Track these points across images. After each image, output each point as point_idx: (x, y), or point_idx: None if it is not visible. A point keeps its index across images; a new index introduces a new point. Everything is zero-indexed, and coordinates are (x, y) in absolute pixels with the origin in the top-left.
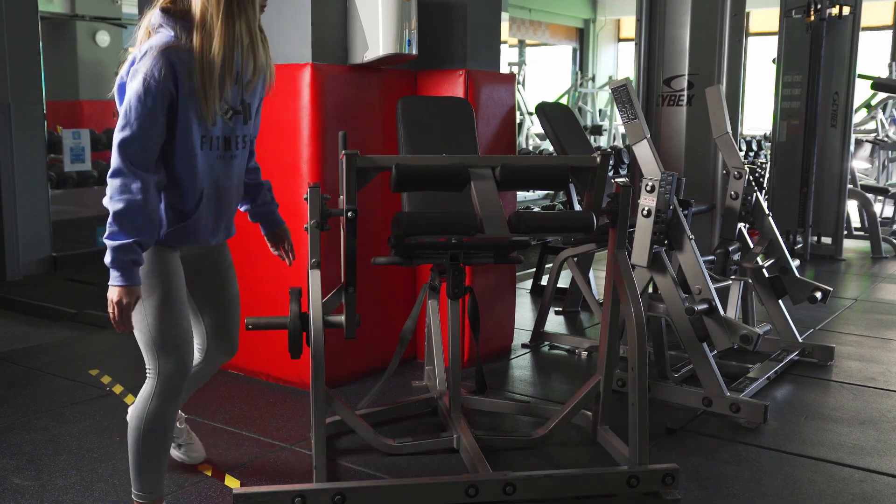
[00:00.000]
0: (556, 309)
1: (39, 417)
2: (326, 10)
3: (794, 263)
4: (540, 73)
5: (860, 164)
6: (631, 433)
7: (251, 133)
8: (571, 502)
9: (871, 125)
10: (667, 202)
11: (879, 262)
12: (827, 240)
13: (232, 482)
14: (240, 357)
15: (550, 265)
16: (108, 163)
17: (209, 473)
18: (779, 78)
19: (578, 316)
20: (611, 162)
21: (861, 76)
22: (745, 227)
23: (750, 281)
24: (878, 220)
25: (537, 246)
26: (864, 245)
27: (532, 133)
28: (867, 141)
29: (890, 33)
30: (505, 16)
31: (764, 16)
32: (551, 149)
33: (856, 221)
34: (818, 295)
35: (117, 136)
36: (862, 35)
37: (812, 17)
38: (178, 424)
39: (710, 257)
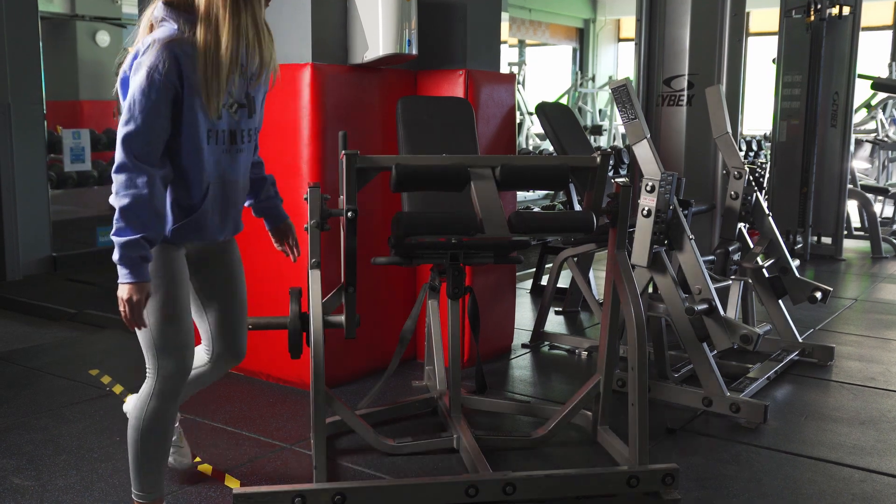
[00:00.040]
0: (556, 309)
1: (39, 417)
2: (326, 10)
3: (794, 263)
4: (540, 73)
5: (860, 164)
6: (631, 433)
7: (256, 127)
8: (571, 502)
9: (871, 125)
10: (667, 202)
11: (879, 262)
12: (827, 240)
13: (232, 482)
14: None
15: (550, 265)
16: (108, 163)
17: (209, 473)
18: (779, 78)
19: (578, 316)
20: (611, 162)
21: (861, 76)
22: (745, 227)
23: (750, 281)
24: (878, 220)
25: (537, 246)
26: (864, 245)
27: (532, 133)
28: (867, 141)
29: (890, 33)
30: (505, 16)
31: (764, 16)
32: (551, 149)
33: (856, 221)
34: (818, 295)
35: (121, 131)
36: (862, 35)
37: (812, 17)
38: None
39: (710, 257)
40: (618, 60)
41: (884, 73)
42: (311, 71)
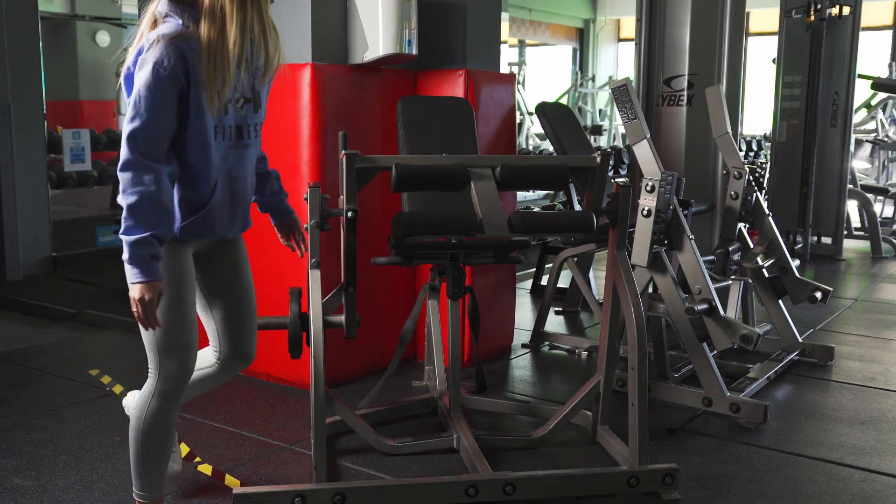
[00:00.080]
0: (556, 309)
1: (39, 417)
2: (326, 10)
3: (794, 263)
4: (540, 73)
5: (860, 164)
6: (631, 433)
7: (261, 121)
8: (571, 502)
9: (871, 125)
10: (667, 202)
11: (879, 262)
12: (827, 240)
13: (232, 482)
14: None
15: (550, 265)
16: (108, 162)
17: (209, 473)
18: (779, 78)
19: (578, 316)
20: (611, 162)
21: (861, 76)
22: (745, 227)
23: (750, 281)
24: (878, 220)
25: (537, 246)
26: (864, 245)
27: (532, 133)
28: (867, 141)
29: (890, 33)
30: (505, 16)
31: (764, 16)
32: (551, 149)
33: (856, 221)
34: (818, 295)
35: (127, 128)
36: (862, 35)
37: (812, 17)
38: None
39: (710, 257)
40: (618, 60)
41: (884, 73)
42: (311, 71)
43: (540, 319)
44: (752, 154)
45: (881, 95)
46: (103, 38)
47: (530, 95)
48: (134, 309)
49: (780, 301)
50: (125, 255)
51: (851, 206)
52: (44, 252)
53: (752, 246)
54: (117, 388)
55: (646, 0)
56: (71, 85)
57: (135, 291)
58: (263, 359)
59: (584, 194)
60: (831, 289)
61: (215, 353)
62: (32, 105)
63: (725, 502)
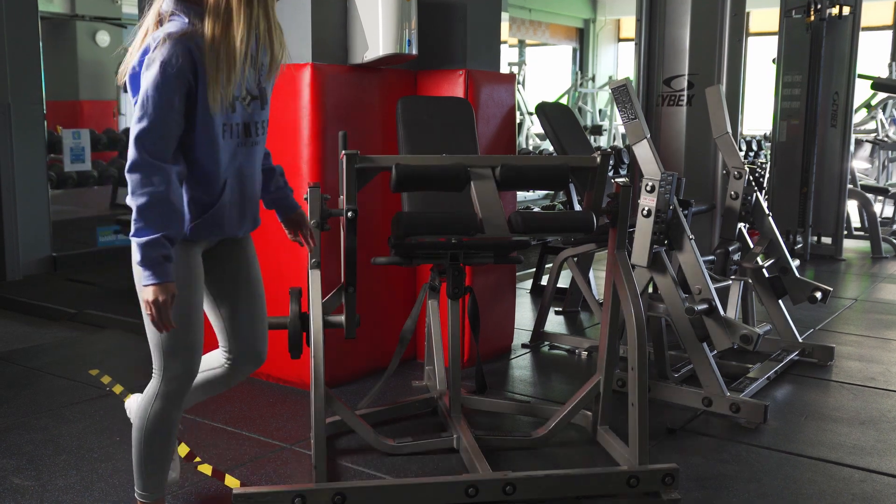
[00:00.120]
0: (556, 309)
1: (39, 417)
2: (326, 10)
3: (794, 263)
4: (540, 73)
5: (860, 164)
6: (631, 433)
7: (267, 118)
8: (571, 502)
9: (871, 125)
10: (667, 202)
11: (879, 262)
12: (827, 240)
13: (232, 482)
14: None
15: (550, 265)
16: (109, 162)
17: (209, 473)
18: (779, 78)
19: (578, 316)
20: (611, 162)
21: (861, 76)
22: (745, 227)
23: (750, 281)
24: (878, 220)
25: (537, 246)
26: (864, 245)
27: (532, 133)
28: (867, 141)
29: (890, 33)
30: (505, 16)
31: (764, 16)
32: (551, 149)
33: (856, 221)
34: (818, 295)
35: (135, 128)
36: (862, 35)
37: (812, 17)
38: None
39: (710, 257)
40: (618, 60)
41: (884, 73)
42: (311, 71)
43: (540, 319)
44: (752, 154)
45: (881, 95)
46: (103, 38)
47: (530, 95)
48: (147, 311)
49: (780, 301)
50: (136, 258)
51: (851, 206)
52: (44, 252)
53: (752, 246)
54: (117, 388)
55: (646, 0)
56: (71, 85)
57: (148, 294)
58: None
59: (584, 194)
60: (831, 289)
61: (225, 354)
62: (32, 105)
63: (725, 502)
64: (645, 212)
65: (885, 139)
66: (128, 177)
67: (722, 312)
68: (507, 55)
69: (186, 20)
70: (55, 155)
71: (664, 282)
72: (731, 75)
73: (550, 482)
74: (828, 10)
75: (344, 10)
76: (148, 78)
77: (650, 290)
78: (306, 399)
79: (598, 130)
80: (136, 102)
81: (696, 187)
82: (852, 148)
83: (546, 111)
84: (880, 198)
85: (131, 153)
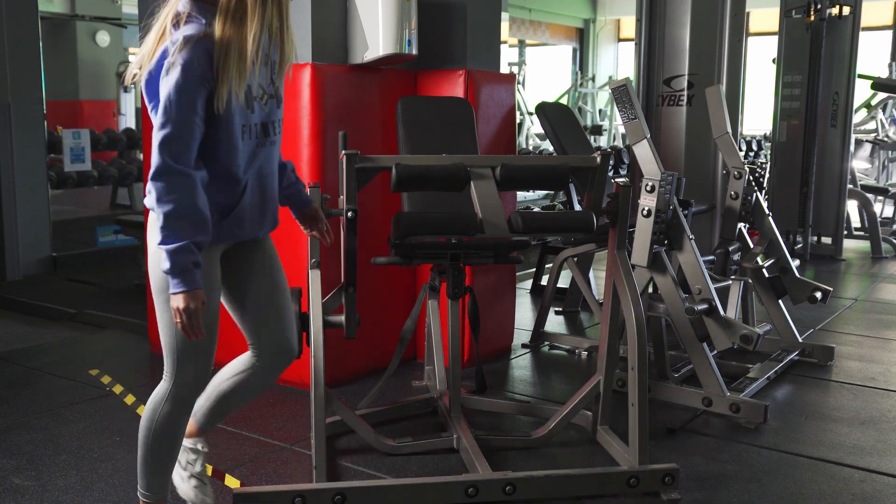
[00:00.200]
0: (556, 309)
1: (39, 417)
2: (326, 10)
3: (794, 263)
4: (540, 73)
5: (860, 164)
6: (631, 433)
7: (282, 117)
8: (571, 502)
9: (871, 125)
10: (667, 202)
11: (879, 262)
12: (827, 240)
13: (232, 482)
14: (236, 355)
15: (550, 265)
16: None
17: (209, 473)
18: (779, 78)
19: (578, 316)
20: (611, 162)
21: (861, 76)
22: (745, 227)
23: (750, 281)
24: (878, 220)
25: (537, 246)
26: (864, 245)
27: (532, 133)
28: (867, 141)
29: (890, 33)
30: (505, 16)
31: (764, 16)
32: (551, 149)
33: (856, 221)
34: (818, 295)
35: (159, 135)
36: (862, 35)
37: (812, 17)
38: (199, 447)
39: (710, 257)
40: (618, 60)
41: (884, 73)
42: (311, 71)
43: (540, 319)
44: (752, 154)
45: (881, 95)
46: (103, 38)
47: (530, 95)
48: (177, 319)
49: (780, 301)
50: (165, 266)
51: (851, 206)
52: (44, 252)
53: (752, 246)
54: (117, 388)
55: (646, 0)
56: (71, 85)
57: (178, 301)
58: None
59: (584, 194)
60: (831, 289)
61: (254, 353)
62: (32, 105)
63: (725, 502)
64: (645, 212)
65: (885, 139)
66: (152, 184)
67: (722, 312)
68: (507, 55)
69: (204, 21)
70: (55, 155)
71: (664, 282)
72: (731, 75)
73: (550, 482)
74: (828, 10)
75: (344, 10)
76: (169, 82)
77: (650, 290)
78: (306, 399)
79: (598, 130)
80: (154, 107)
81: (696, 187)
82: (852, 148)
83: (546, 111)
84: (880, 198)
85: (155, 159)
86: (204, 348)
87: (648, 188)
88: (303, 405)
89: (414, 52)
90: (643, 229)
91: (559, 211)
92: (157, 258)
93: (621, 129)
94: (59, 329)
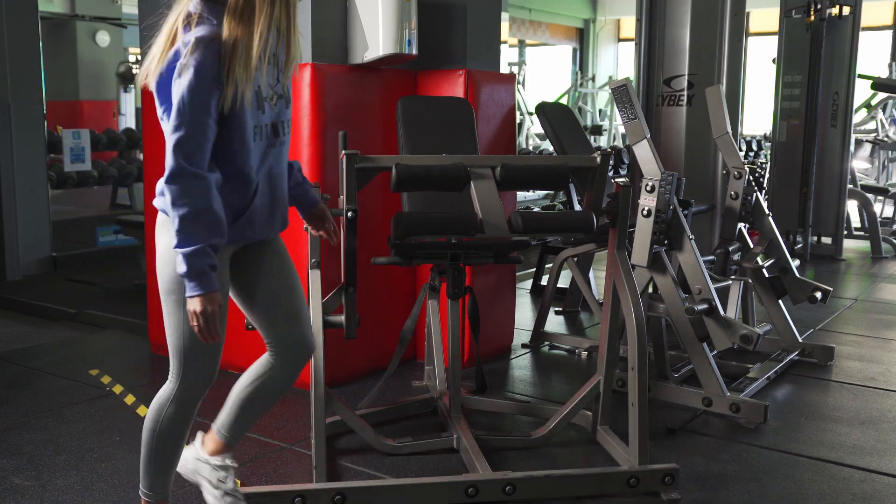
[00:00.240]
0: (556, 309)
1: (39, 417)
2: (326, 10)
3: (794, 263)
4: (540, 73)
5: (860, 164)
6: (631, 433)
7: (291, 116)
8: (571, 502)
9: (871, 125)
10: (667, 202)
11: (879, 262)
12: (827, 240)
13: None
14: (240, 357)
15: (550, 265)
16: (109, 162)
17: None
18: (779, 78)
19: (578, 316)
20: (611, 162)
21: (861, 76)
22: (745, 227)
23: (750, 281)
24: (878, 220)
25: (537, 246)
26: (864, 245)
27: (532, 133)
28: (867, 141)
29: (890, 33)
30: (505, 16)
31: (764, 16)
32: (551, 149)
33: (856, 221)
34: (818, 295)
35: (173, 137)
36: (862, 35)
37: (812, 17)
38: (228, 462)
39: (710, 257)
40: (618, 60)
41: (884, 73)
42: (311, 71)
43: (540, 319)
44: (752, 154)
45: (881, 95)
46: (103, 38)
47: (530, 95)
48: (193, 323)
49: (780, 301)
50: (182, 269)
51: (851, 206)
52: (44, 252)
53: (752, 246)
54: (117, 388)
55: (646, 0)
56: (71, 85)
57: (195, 305)
58: None
59: (584, 194)
60: (831, 289)
61: (272, 353)
62: (32, 105)
63: (725, 502)
64: (645, 212)
65: (885, 139)
66: (167, 188)
67: (722, 312)
68: (507, 55)
69: (215, 23)
70: (55, 155)
71: (664, 282)
72: (731, 75)
73: (550, 482)
74: (828, 10)
75: (344, 10)
76: (182, 84)
77: (650, 290)
78: (306, 399)
79: (598, 130)
80: (165, 110)
81: (696, 187)
82: (852, 148)
83: (546, 111)
84: (880, 198)
85: (170, 162)
86: (211, 349)
87: (648, 188)
88: (303, 405)
89: (414, 52)
90: (643, 229)
91: (559, 211)
92: (167, 259)
93: (621, 129)
94: (59, 329)
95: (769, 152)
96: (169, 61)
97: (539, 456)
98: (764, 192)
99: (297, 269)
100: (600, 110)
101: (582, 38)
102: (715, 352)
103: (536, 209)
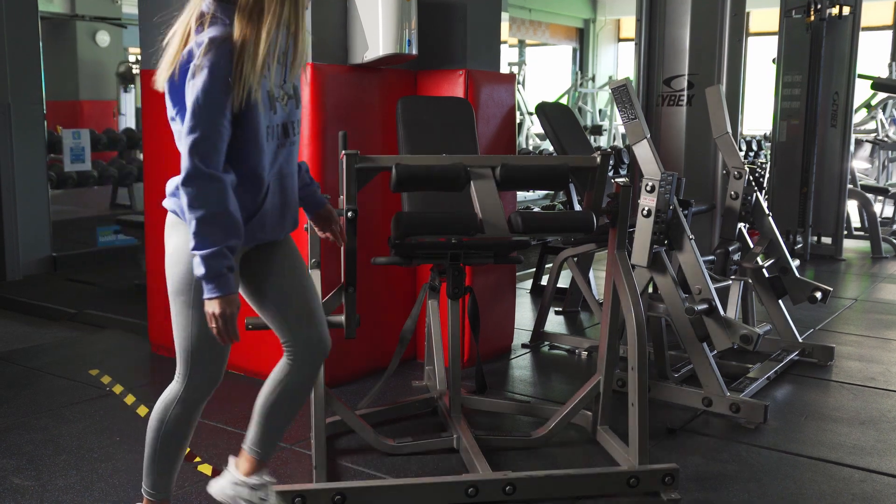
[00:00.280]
0: (556, 309)
1: (39, 417)
2: (326, 10)
3: (794, 263)
4: (540, 73)
5: (860, 164)
6: (631, 433)
7: (300, 117)
8: (571, 502)
9: (871, 125)
10: (667, 202)
11: (879, 262)
12: (827, 240)
13: None
14: (240, 357)
15: (550, 265)
16: (109, 162)
17: (209, 473)
18: (779, 78)
19: (578, 316)
20: (611, 162)
21: (861, 76)
22: (745, 227)
23: (750, 281)
24: (878, 220)
25: (537, 246)
26: (864, 245)
27: (532, 133)
28: (867, 141)
29: (890, 33)
30: (505, 16)
31: (764, 16)
32: (551, 149)
33: (856, 221)
34: (818, 295)
35: (188, 139)
36: (862, 35)
37: (812, 17)
38: (265, 478)
39: (710, 257)
40: (618, 60)
41: (884, 73)
42: (311, 71)
43: (540, 319)
44: (752, 154)
45: (881, 95)
46: (103, 38)
47: (530, 95)
48: (212, 325)
49: (780, 301)
50: (200, 271)
51: (851, 206)
52: (44, 252)
53: (752, 246)
54: (117, 388)
55: (646, 0)
56: (71, 85)
57: (213, 307)
58: (263, 359)
59: (584, 194)
60: (831, 289)
61: (289, 354)
62: (32, 105)
63: (725, 502)
64: (645, 212)
65: (885, 139)
66: (183, 190)
67: (722, 312)
68: (507, 55)
69: (228, 23)
70: (55, 155)
71: (664, 282)
72: (731, 75)
73: (550, 482)
74: (828, 10)
75: (344, 10)
76: (197, 85)
77: (650, 290)
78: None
79: (598, 130)
80: (178, 111)
81: (696, 187)
82: (852, 148)
83: (546, 111)
84: (880, 198)
85: (186, 164)
86: (218, 351)
87: (648, 188)
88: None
89: (414, 52)
90: (643, 229)
91: (559, 211)
92: (176, 259)
93: (621, 129)
94: (59, 329)
95: (769, 152)
96: (182, 62)
97: (539, 456)
98: (764, 192)
99: None
100: (600, 110)
101: (582, 38)
102: (715, 352)
103: (536, 209)
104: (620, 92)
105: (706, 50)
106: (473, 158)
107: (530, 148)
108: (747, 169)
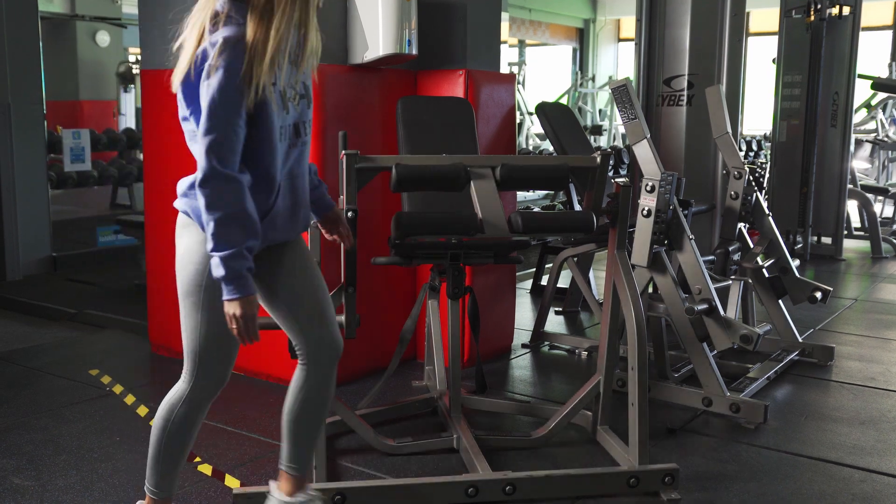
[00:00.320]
0: (556, 309)
1: (39, 417)
2: (326, 10)
3: (794, 263)
4: (540, 73)
5: (860, 164)
6: (631, 433)
7: (311, 117)
8: (571, 502)
9: (871, 125)
10: (667, 202)
11: (879, 262)
12: (827, 240)
13: (232, 482)
14: (240, 357)
15: (550, 265)
16: (109, 162)
17: (209, 473)
18: (779, 78)
19: (578, 316)
20: (611, 162)
21: (861, 76)
22: (745, 227)
23: (750, 281)
24: (878, 220)
25: (537, 246)
26: (864, 245)
27: (532, 133)
28: (867, 141)
29: (890, 33)
30: (505, 16)
31: (764, 16)
32: (551, 149)
33: (856, 221)
34: (818, 295)
35: (205, 140)
36: (862, 35)
37: (812, 17)
38: (311, 493)
39: (710, 257)
40: (618, 60)
41: (884, 73)
42: None
43: (540, 319)
44: (752, 154)
45: (881, 95)
46: (103, 38)
47: (530, 95)
48: (232, 325)
49: (780, 301)
50: (219, 273)
51: (851, 206)
52: (44, 252)
53: (752, 246)
54: (117, 388)
55: (646, 0)
56: (71, 85)
57: (233, 308)
58: (263, 359)
59: (584, 194)
60: (831, 289)
61: (302, 356)
62: (32, 105)
63: (725, 502)
64: (645, 212)
65: (885, 139)
66: (200, 191)
67: (722, 312)
68: (507, 55)
69: (242, 21)
70: (55, 155)
71: (664, 282)
72: (731, 75)
73: (550, 482)
74: (828, 10)
75: (344, 10)
76: (212, 86)
77: (650, 290)
78: None
79: (598, 130)
80: (192, 111)
81: (696, 187)
82: (852, 148)
83: (546, 111)
84: (880, 198)
85: (203, 166)
86: (225, 352)
87: (648, 188)
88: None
89: (414, 52)
90: (643, 229)
91: (559, 211)
92: (187, 260)
93: (621, 129)
94: (59, 329)
95: (769, 152)
96: (196, 62)
97: (539, 456)
98: (764, 192)
99: None
100: (600, 110)
101: (582, 38)
102: (715, 352)
103: (536, 209)
104: (620, 92)
105: (706, 50)
106: (473, 158)
107: (530, 148)
108: (747, 169)
